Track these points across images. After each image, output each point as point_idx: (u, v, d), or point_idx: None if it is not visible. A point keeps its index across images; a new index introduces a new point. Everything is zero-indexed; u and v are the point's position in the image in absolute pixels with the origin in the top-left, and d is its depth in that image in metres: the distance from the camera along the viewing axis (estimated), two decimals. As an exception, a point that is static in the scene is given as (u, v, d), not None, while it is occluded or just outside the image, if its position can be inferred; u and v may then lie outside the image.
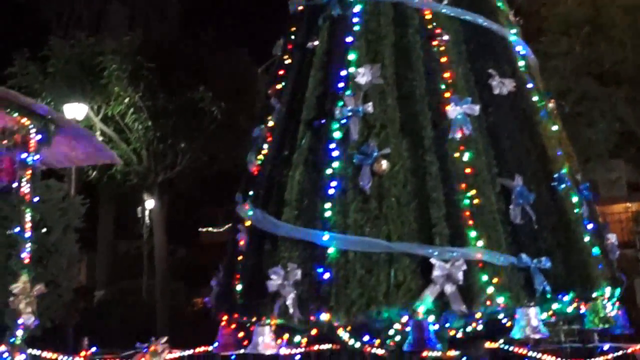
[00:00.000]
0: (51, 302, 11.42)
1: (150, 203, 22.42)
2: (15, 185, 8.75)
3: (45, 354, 8.59)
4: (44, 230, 11.34)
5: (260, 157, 7.71)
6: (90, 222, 16.79)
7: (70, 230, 12.58)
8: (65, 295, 12.22)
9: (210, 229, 28.99)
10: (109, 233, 26.00)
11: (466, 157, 6.85)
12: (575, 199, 7.58)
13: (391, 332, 6.67)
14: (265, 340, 6.77)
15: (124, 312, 19.46)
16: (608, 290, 7.21)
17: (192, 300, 23.75)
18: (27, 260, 7.99)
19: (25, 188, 8.39)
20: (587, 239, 7.37)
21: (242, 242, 7.43)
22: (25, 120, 8.82)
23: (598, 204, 9.21)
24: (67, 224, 12.42)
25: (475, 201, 6.68)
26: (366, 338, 6.97)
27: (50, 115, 9.03)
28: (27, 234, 8.09)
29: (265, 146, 7.71)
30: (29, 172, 8.66)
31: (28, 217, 8.19)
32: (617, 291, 7.50)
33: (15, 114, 8.77)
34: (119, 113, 18.44)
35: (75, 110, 17.06)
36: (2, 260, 9.47)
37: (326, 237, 6.50)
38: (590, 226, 7.61)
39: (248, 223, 7.34)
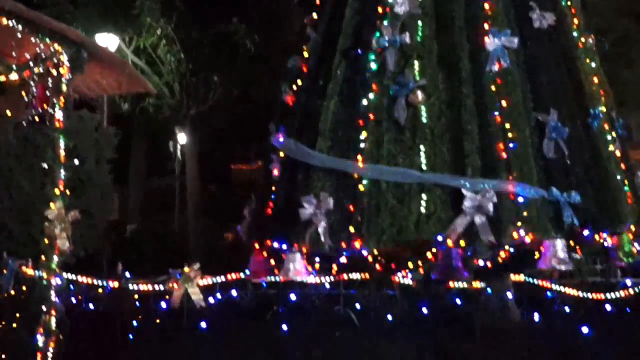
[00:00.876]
0: (85, 232, 11.68)
1: (182, 138, 22.59)
2: (48, 112, 8.82)
3: (80, 279, 8.81)
4: (77, 161, 11.52)
5: (295, 87, 7.76)
6: (123, 157, 17.05)
7: (103, 161, 12.72)
8: (99, 226, 12.47)
9: (242, 166, 29.19)
10: (142, 168, 26.30)
11: (503, 90, 6.83)
12: (609, 137, 7.57)
13: (420, 262, 6.79)
14: (297, 267, 6.94)
15: (156, 245, 19.85)
16: (634, 226, 7.26)
17: (223, 236, 24.12)
18: (61, 187, 8.11)
19: (59, 115, 8.46)
20: (618, 176, 7.39)
21: (275, 172, 7.56)
22: (57, 47, 8.83)
23: (630, 148, 9.17)
24: (100, 155, 12.57)
25: (510, 135, 6.70)
26: (395, 267, 7.10)
27: (83, 42, 9.06)
28: (61, 162, 8.18)
29: (300, 77, 7.74)
30: (62, 100, 8.72)
31: (62, 144, 8.28)
32: (644, 228, 7.54)
33: (48, 40, 8.79)
34: (151, 45, 18.37)
35: (107, 42, 17.03)
36: (37, 189, 9.70)
37: (359, 167, 6.58)
38: (621, 164, 7.62)
39: (282, 153, 7.44)
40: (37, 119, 9.05)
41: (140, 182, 26.38)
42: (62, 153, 8.31)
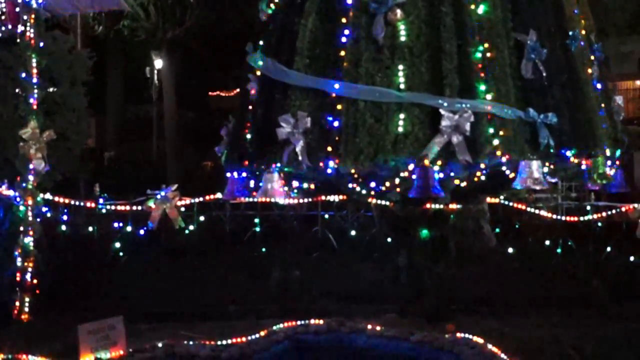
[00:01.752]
0: (61, 155, 11.58)
1: (159, 63, 22.27)
2: (19, 30, 8.56)
3: (57, 199, 8.78)
4: (51, 84, 11.29)
5: (272, 5, 7.60)
6: (99, 83, 16.73)
7: (77, 84, 12.52)
8: (75, 149, 12.38)
9: (219, 93, 28.92)
10: (119, 95, 25.99)
11: (481, 9, 6.74)
12: (587, 59, 7.56)
13: (397, 180, 6.84)
14: (274, 186, 6.96)
15: (134, 172, 19.85)
16: (609, 149, 7.34)
17: (201, 163, 24.11)
18: (35, 107, 7.96)
19: (30, 33, 8.22)
20: (594, 98, 7.42)
21: (252, 92, 7.48)
22: (24, -41, 8.51)
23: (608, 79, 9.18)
24: (74, 77, 12.36)
25: (488, 54, 6.65)
26: (373, 185, 7.16)
27: (53, -44, 8.77)
28: (34, 80, 8.01)
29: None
30: (33, 16, 8.45)
31: (34, 62, 8.10)
32: (618, 151, 7.64)
33: (14, -47, 8.48)
34: (125, -37, 17.88)
35: (79, -42, 16.54)
36: (10, 111, 9.54)
37: (337, 85, 6.54)
38: (599, 86, 7.65)
39: (259, 72, 7.35)
40: (7, 37, 8.82)
41: (117, 109, 26.11)
42: (35, 71, 8.14)
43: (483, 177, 7.08)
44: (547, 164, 6.99)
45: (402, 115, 6.41)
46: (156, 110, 24.88)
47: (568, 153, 6.90)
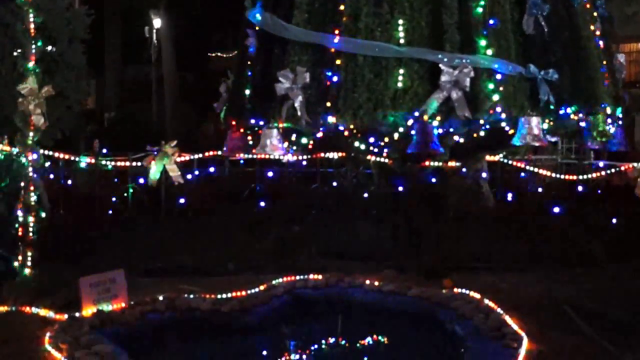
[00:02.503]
0: (61, 113, 11.55)
1: (157, 22, 22.04)
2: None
3: (56, 154, 8.74)
4: (49, 42, 11.19)
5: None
6: (97, 44, 16.57)
7: (76, 41, 12.40)
8: (75, 107, 12.33)
9: (219, 54, 28.71)
10: (117, 55, 25.79)
11: (483, -37, 6.68)
12: (590, 15, 7.50)
13: (396, 136, 6.85)
14: (273, 142, 6.97)
15: (134, 131, 19.79)
16: (610, 107, 7.32)
17: (201, 124, 24.05)
18: (32, 63, 7.90)
19: (26, -13, 8.07)
20: (596, 55, 7.38)
21: (251, 48, 7.44)
22: None
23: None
24: (72, 34, 12.24)
25: (489, 10, 6.60)
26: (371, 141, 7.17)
27: None
28: (32, 35, 7.92)
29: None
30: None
31: (31, 18, 8.00)
32: (619, 109, 7.62)
33: None
34: None
35: None
36: (9, 69, 9.48)
37: (336, 40, 6.50)
38: (601, 43, 7.60)
39: (258, 28, 7.30)
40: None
41: (116, 70, 25.92)
42: (32, 27, 8.06)
43: (482, 134, 7.07)
44: (547, 120, 6.98)
45: (401, 71, 6.40)
46: (155, 71, 24.70)
47: (568, 110, 6.90)
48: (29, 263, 7.03)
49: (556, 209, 8.88)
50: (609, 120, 7.45)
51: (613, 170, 8.87)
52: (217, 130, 9.75)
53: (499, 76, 6.49)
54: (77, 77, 12.27)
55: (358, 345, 5.53)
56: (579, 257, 8.07)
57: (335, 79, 6.48)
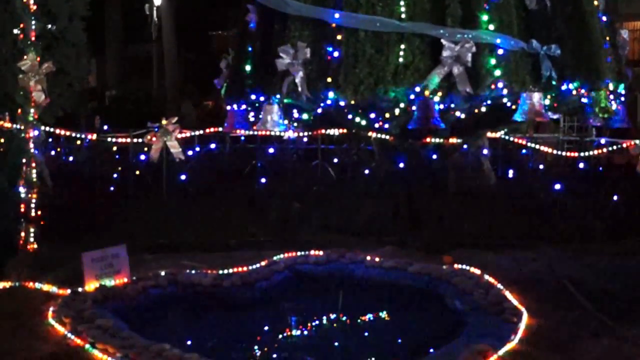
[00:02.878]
0: (62, 90, 11.54)
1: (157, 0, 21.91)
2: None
3: (57, 131, 8.72)
4: (49, 19, 11.14)
5: None
6: (98, 22, 16.46)
7: (76, 19, 12.35)
8: (76, 84, 12.32)
9: (220, 32, 28.55)
10: (118, 33, 25.69)
11: (485, -64, 6.60)
12: (593, -10, 7.43)
13: (397, 112, 6.82)
14: (274, 118, 6.95)
15: (135, 109, 19.79)
16: (612, 83, 7.28)
17: (202, 102, 24.00)
18: (32, 39, 7.86)
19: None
20: (599, 31, 7.32)
21: (251, 23, 7.39)
22: None
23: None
24: (72, 11, 12.18)
25: (491, -16, 6.55)
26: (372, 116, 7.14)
27: None
28: (32, 10, 7.86)
29: None
30: (29, -54, 8.24)
31: (31, -7, 7.91)
32: (622, 86, 7.57)
33: None
34: None
35: None
36: (9, 45, 9.43)
37: (337, 15, 6.46)
38: (604, 19, 7.53)
39: (258, 2, 7.25)
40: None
41: (117, 48, 25.83)
42: (32, 2, 8.00)
43: (484, 110, 7.04)
44: (549, 96, 6.94)
45: (402, 46, 6.35)
46: (156, 49, 24.59)
47: (570, 86, 6.86)
48: (31, 239, 7.06)
49: (557, 186, 8.88)
50: (612, 97, 7.41)
51: (615, 147, 8.84)
52: (218, 107, 9.72)
53: (501, 51, 6.44)
54: (78, 55, 12.25)
55: (359, 320, 5.57)
56: (579, 234, 8.08)
57: (336, 54, 6.44)
